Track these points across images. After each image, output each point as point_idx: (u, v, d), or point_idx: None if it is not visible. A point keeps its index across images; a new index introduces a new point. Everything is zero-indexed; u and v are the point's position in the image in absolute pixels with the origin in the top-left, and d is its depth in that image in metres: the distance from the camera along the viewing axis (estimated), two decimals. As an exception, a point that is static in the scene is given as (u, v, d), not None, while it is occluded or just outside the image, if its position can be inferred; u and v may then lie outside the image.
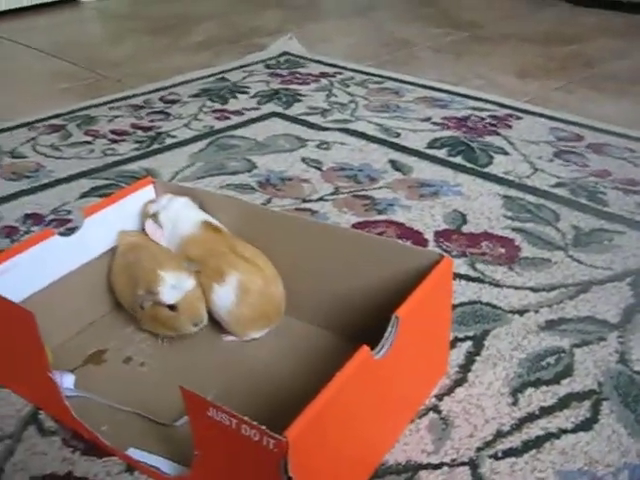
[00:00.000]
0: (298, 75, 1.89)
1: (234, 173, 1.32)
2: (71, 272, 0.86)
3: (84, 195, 1.25)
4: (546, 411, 0.75)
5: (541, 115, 1.57)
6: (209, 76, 1.90)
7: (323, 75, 1.89)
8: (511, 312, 0.91)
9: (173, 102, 1.71)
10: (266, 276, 0.85)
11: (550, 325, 0.88)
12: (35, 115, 1.64)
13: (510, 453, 0.70)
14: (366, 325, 0.78)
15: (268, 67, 1.98)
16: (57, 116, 1.63)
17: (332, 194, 1.22)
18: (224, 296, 0.83)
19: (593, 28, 2.34)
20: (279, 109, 1.64)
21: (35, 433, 0.74)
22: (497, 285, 0.96)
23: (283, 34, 2.31)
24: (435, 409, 0.76)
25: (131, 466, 0.69)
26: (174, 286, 0.81)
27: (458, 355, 0.83)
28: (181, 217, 0.89)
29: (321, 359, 0.83)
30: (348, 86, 1.79)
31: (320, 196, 1.22)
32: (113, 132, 1.53)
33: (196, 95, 1.76)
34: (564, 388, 0.78)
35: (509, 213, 1.15)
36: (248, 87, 1.80)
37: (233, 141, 1.47)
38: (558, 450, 0.70)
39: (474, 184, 1.25)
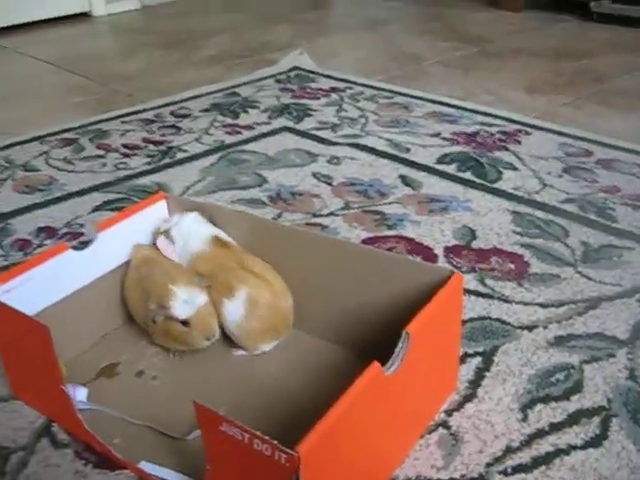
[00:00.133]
0: (308, 90, 1.90)
1: (245, 188, 1.33)
2: (84, 286, 0.87)
3: (96, 209, 1.26)
4: (555, 427, 0.75)
5: (550, 130, 1.58)
6: (220, 91, 1.92)
7: (333, 90, 1.90)
8: (520, 328, 0.91)
9: (184, 116, 1.73)
10: (275, 290, 0.86)
11: (559, 341, 0.89)
12: (48, 129, 1.66)
13: (520, 469, 0.70)
14: (376, 340, 0.79)
15: (279, 82, 1.99)
16: (69, 130, 1.65)
17: (342, 209, 1.23)
18: (234, 310, 0.84)
19: (602, 43, 2.35)
20: (290, 124, 1.65)
21: (48, 445, 0.75)
22: (506, 301, 0.97)
23: (293, 49, 2.33)
24: (445, 424, 0.76)
25: (143, 479, 0.70)
26: (186, 301, 0.82)
27: (468, 371, 0.84)
28: (192, 233, 0.90)
29: (331, 374, 0.83)
30: (358, 101, 1.80)
31: (330, 211, 1.23)
32: (125, 146, 1.55)
33: (207, 110, 1.77)
34: (573, 404, 0.78)
35: (518, 229, 1.15)
36: (259, 102, 1.82)
37: (244, 156, 1.48)
38: (568, 466, 0.70)
39: (483, 200, 1.26)
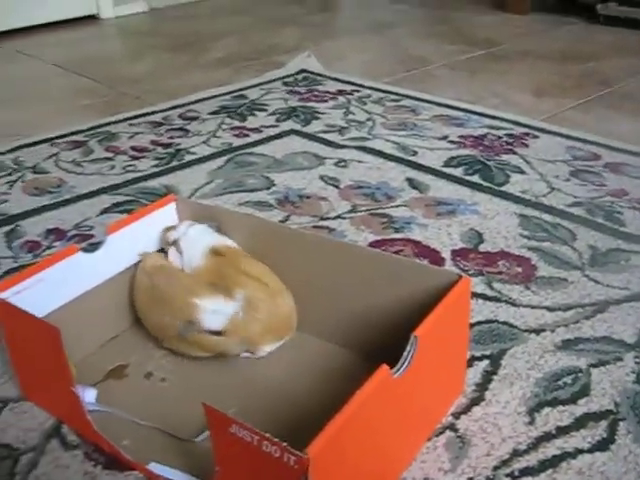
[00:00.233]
0: (316, 93, 1.91)
1: (252, 190, 1.33)
2: (94, 288, 0.87)
3: (105, 211, 1.26)
4: (563, 431, 0.75)
5: (557, 134, 1.58)
6: (228, 93, 1.93)
7: (340, 93, 1.91)
8: (528, 331, 0.91)
9: (192, 119, 1.73)
10: (271, 291, 0.86)
11: (567, 345, 0.89)
12: (57, 131, 1.67)
13: (527, 472, 0.70)
14: (383, 343, 0.79)
15: (286, 84, 2.00)
16: (78, 132, 1.66)
17: (350, 212, 1.24)
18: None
19: (609, 46, 2.35)
20: (297, 127, 1.66)
21: (58, 446, 0.75)
22: (514, 304, 0.97)
23: (300, 52, 2.33)
24: (452, 427, 0.76)
25: (152, 480, 0.70)
26: (215, 311, 0.82)
27: (475, 374, 0.84)
28: (194, 247, 0.90)
29: (338, 377, 0.84)
30: (365, 104, 1.81)
31: (338, 214, 1.23)
32: (133, 148, 1.55)
33: (215, 112, 1.78)
34: (581, 408, 0.78)
35: (525, 232, 1.16)
36: (266, 104, 1.82)
37: (252, 158, 1.48)
38: (575, 470, 0.70)
39: (491, 203, 1.26)
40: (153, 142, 1.59)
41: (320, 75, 2.08)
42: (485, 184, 1.34)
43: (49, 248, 1.14)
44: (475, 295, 0.99)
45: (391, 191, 1.31)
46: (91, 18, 2.97)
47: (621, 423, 0.76)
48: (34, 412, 0.80)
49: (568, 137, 1.56)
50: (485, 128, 1.62)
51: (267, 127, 1.66)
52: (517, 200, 1.27)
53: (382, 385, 0.61)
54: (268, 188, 1.34)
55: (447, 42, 2.46)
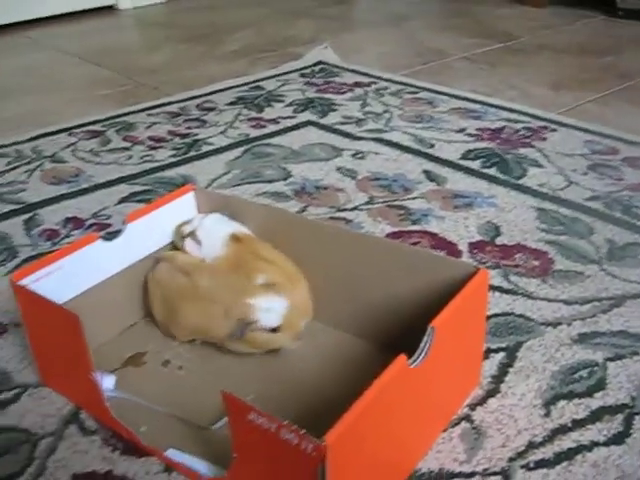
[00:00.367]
0: (333, 84, 1.91)
1: (270, 181, 1.33)
2: (113, 275, 0.88)
3: (123, 200, 1.27)
4: (578, 424, 0.75)
5: (575, 127, 1.57)
6: (245, 84, 1.93)
7: (358, 85, 1.90)
8: (544, 324, 0.91)
9: (209, 110, 1.74)
10: (287, 273, 0.87)
11: (583, 338, 0.89)
12: (75, 121, 1.68)
13: (542, 464, 0.70)
14: (400, 335, 0.80)
15: (303, 76, 2.00)
16: (96, 122, 1.67)
17: (367, 203, 1.24)
18: None
19: (628, 40, 2.33)
20: (314, 118, 1.66)
21: (76, 432, 0.76)
22: (530, 297, 0.97)
23: (317, 43, 2.33)
24: (468, 419, 0.76)
25: (169, 467, 0.71)
26: (268, 309, 0.82)
27: (491, 366, 0.84)
28: (212, 236, 0.90)
29: (354, 366, 0.84)
30: (382, 96, 1.81)
31: (355, 205, 1.23)
32: (151, 139, 1.56)
33: (232, 103, 1.78)
34: (597, 401, 0.78)
35: (543, 226, 1.15)
36: (283, 96, 1.82)
37: (269, 149, 1.49)
38: (590, 463, 0.71)
39: (508, 196, 1.26)
40: (170, 132, 1.60)
41: (337, 67, 2.08)
42: (502, 177, 1.33)
43: (67, 237, 1.15)
44: (492, 288, 0.99)
45: (408, 183, 1.31)
46: (109, 9, 2.98)
47: (637, 417, 0.76)
48: (52, 398, 0.81)
49: (586, 131, 1.55)
50: (503, 121, 1.62)
51: (284, 118, 1.66)
52: (534, 193, 1.26)
53: (400, 374, 0.61)
54: (285, 179, 1.34)
55: (464, 35, 2.45)
